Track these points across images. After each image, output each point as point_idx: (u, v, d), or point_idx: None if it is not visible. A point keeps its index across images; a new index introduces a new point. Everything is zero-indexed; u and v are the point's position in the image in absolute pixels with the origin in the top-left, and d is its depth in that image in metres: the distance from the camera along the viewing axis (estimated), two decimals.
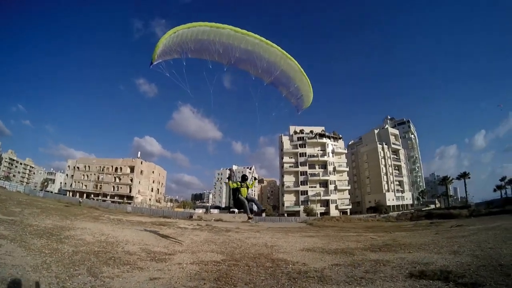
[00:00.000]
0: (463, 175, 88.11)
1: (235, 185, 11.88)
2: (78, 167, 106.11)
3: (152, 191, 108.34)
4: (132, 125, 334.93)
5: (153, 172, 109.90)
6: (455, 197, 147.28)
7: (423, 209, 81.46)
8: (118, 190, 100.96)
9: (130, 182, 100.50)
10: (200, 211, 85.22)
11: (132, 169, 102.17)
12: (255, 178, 14.56)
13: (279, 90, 17.76)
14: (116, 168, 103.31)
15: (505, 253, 9.13)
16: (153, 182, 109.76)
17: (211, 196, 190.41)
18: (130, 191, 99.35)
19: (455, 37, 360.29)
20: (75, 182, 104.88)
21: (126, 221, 26.00)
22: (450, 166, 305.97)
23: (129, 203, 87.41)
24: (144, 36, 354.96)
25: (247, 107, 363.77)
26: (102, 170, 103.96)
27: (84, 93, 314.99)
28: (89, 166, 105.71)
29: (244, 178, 12.06)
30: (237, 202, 11.83)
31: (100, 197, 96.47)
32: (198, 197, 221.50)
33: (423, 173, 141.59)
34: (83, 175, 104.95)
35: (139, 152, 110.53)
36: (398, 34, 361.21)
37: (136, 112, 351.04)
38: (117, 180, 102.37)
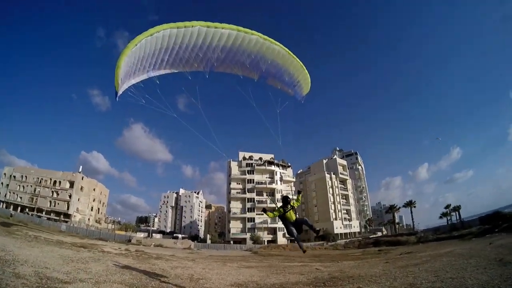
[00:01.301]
0: (409, 203, 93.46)
1: (276, 213, 10.24)
2: (14, 176, 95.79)
3: (92, 210, 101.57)
4: (80, 138, 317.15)
5: (94, 189, 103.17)
6: (401, 225, 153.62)
7: (370, 236, 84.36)
8: (55, 206, 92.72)
9: (68, 198, 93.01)
10: (141, 235, 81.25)
11: (72, 184, 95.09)
12: (299, 192, 12.46)
13: (271, 83, 16.61)
14: (55, 182, 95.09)
15: (471, 284, 8.28)
16: (94, 200, 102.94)
17: (156, 219, 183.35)
18: (68, 208, 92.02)
19: (403, 77, 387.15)
20: (9, 192, 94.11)
21: (44, 239, 23.45)
22: (395, 196, 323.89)
23: (66, 221, 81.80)
24: (106, 46, 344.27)
25: (201, 131, 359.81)
26: (40, 182, 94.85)
27: (34, 97, 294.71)
28: (26, 176, 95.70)
29: (286, 200, 10.34)
30: (290, 233, 10.12)
31: (35, 212, 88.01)
32: (143, 220, 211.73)
33: (370, 202, 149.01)
34: (19, 185, 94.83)
35: (81, 167, 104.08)
36: (347, 71, 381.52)
37: (86, 124, 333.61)
38: (55, 194, 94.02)
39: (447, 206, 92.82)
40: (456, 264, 12.33)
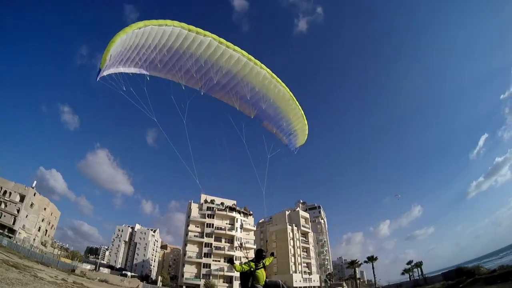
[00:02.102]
0: (371, 259, 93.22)
1: (246, 267, 8.51)
2: None
3: (39, 230, 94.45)
4: (42, 152, 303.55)
5: (45, 209, 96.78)
6: (362, 280, 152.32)
7: None
8: (0, 217, 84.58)
9: (16, 212, 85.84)
10: (88, 266, 76.45)
11: (22, 198, 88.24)
12: (272, 254, 10.43)
13: (266, 126, 15.62)
14: (5, 192, 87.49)
15: None
16: (43, 220, 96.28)
17: (107, 253, 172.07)
18: (14, 223, 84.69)
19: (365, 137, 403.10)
20: None
21: None
22: (356, 251, 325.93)
23: (10, 237, 75.48)
24: (86, 65, 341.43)
25: (168, 166, 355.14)
26: None
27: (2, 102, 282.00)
28: None
29: (260, 254, 8.83)
30: None
31: None
32: (93, 251, 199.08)
33: (331, 256, 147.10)
34: None
35: (35, 182, 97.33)
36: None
37: (50, 139, 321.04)
38: (2, 205, 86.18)
39: (409, 262, 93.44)
40: None
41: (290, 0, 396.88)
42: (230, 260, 9.38)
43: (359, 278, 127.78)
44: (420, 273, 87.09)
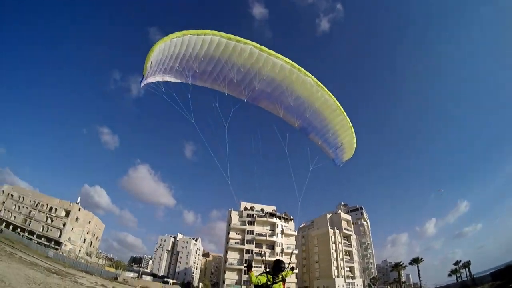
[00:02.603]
0: (416, 260, 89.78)
1: (263, 279, 7.66)
2: (12, 195, 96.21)
3: (84, 242, 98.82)
4: (85, 171, 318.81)
5: (89, 222, 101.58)
6: (408, 283, 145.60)
7: None
8: (47, 231, 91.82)
9: (62, 226, 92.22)
10: (131, 274, 77.83)
11: (67, 213, 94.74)
12: (292, 269, 8.95)
13: (312, 137, 14.71)
14: (51, 208, 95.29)
15: None
16: (88, 233, 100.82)
17: (150, 262, 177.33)
18: (60, 236, 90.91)
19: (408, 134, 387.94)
20: (4, 210, 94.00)
21: (20, 257, 22.18)
22: (401, 253, 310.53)
23: (56, 249, 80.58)
24: (120, 88, 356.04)
25: (207, 177, 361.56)
26: (36, 206, 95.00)
27: (46, 125, 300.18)
28: (23, 198, 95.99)
29: (278, 266, 7.85)
30: None
31: (26, 234, 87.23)
32: (137, 261, 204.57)
33: (375, 259, 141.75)
34: (15, 205, 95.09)
35: (79, 198, 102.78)
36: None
37: (93, 159, 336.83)
38: (49, 220, 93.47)
39: (457, 263, 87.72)
40: None
41: (309, 0, 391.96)
42: (248, 266, 8.13)
43: (404, 282, 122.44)
44: (468, 273, 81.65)
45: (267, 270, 7.93)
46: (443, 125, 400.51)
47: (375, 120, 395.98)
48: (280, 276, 7.69)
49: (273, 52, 11.59)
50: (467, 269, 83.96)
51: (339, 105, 13.17)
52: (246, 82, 12.38)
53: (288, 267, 8.19)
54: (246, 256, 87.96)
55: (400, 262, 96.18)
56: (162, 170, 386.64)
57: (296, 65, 11.96)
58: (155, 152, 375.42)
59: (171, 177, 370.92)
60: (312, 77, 12.25)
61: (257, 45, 11.43)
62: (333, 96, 12.95)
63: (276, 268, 7.77)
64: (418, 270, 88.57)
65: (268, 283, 7.46)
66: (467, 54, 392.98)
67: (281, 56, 11.76)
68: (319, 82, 12.46)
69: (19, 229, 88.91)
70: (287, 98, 12.60)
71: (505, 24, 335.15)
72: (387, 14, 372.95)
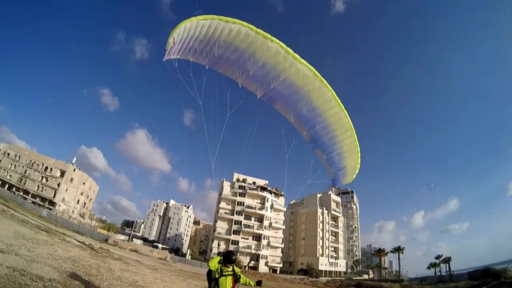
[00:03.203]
0: (398, 249, 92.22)
1: (213, 266, 6.76)
2: (8, 154, 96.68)
3: (78, 203, 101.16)
4: (83, 132, 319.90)
5: (84, 183, 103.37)
6: (390, 270, 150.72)
7: (354, 278, 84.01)
8: (42, 191, 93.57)
9: (56, 186, 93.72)
10: (122, 237, 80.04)
11: (62, 173, 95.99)
12: (258, 283, 7.44)
13: (317, 151, 14.39)
14: (47, 168, 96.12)
15: None
16: (82, 194, 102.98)
17: (142, 226, 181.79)
18: (54, 196, 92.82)
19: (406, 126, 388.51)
20: (0, 168, 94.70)
21: (11, 215, 24.20)
22: (387, 240, 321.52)
23: (50, 209, 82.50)
24: (123, 50, 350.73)
25: (205, 146, 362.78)
26: (32, 165, 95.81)
27: (46, 84, 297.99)
28: (19, 156, 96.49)
29: (229, 258, 6.96)
30: None
31: (21, 193, 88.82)
32: (130, 224, 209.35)
33: (361, 243, 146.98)
34: (11, 164, 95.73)
35: (75, 158, 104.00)
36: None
37: (91, 120, 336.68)
38: (44, 180, 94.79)
39: (438, 257, 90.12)
40: None
41: None
42: (219, 253, 7.33)
43: (385, 268, 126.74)
44: (447, 269, 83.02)
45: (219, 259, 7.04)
46: (445, 123, 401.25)
47: (375, 104, 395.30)
48: (231, 269, 6.85)
49: (299, 57, 11.59)
50: (447, 264, 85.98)
51: (352, 126, 12.97)
52: (264, 80, 12.29)
53: (243, 269, 7.27)
54: (234, 227, 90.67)
55: (383, 248, 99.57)
56: (160, 135, 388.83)
57: (319, 75, 11.91)
58: (154, 117, 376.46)
59: (169, 143, 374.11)
60: (332, 91, 12.18)
61: (284, 45, 11.42)
62: (348, 116, 12.74)
63: (226, 259, 6.92)
64: (399, 259, 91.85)
65: (215, 269, 6.76)
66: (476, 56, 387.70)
67: (305, 62, 11.76)
68: (337, 98, 12.36)
69: (14, 188, 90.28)
70: (303, 106, 12.47)
71: None
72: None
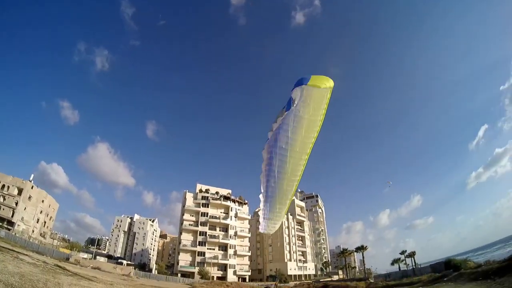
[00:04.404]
0: (361, 248, 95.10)
1: None
2: None
3: (37, 222, 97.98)
4: (42, 147, 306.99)
5: (43, 201, 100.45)
6: (361, 268, 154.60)
7: (321, 280, 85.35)
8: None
9: (14, 205, 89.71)
10: (85, 255, 78.97)
11: (20, 191, 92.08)
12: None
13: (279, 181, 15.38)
14: (3, 186, 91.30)
15: None
16: (41, 212, 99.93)
17: (107, 243, 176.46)
18: (13, 216, 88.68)
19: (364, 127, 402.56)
20: None
21: None
22: (356, 241, 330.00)
23: (9, 229, 79.28)
24: (84, 61, 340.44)
25: (168, 159, 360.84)
26: None
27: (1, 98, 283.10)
28: None
29: None
30: None
31: None
32: (94, 242, 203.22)
33: (329, 245, 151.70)
34: None
35: (32, 175, 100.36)
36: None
37: (51, 134, 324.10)
38: (1, 199, 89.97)
39: (402, 252, 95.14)
40: None
41: None
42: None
43: (354, 267, 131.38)
44: (413, 263, 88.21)
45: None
46: (404, 122, 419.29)
47: (335, 110, 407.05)
48: None
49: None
50: (412, 258, 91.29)
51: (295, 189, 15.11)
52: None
53: None
54: (200, 238, 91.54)
55: (346, 248, 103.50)
56: (123, 149, 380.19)
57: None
58: (116, 130, 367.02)
59: (132, 157, 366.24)
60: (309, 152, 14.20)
61: None
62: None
63: None
64: (363, 258, 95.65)
65: None
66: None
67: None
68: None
69: None
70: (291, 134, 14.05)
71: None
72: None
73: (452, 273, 31.46)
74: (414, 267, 72.46)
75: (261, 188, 15.56)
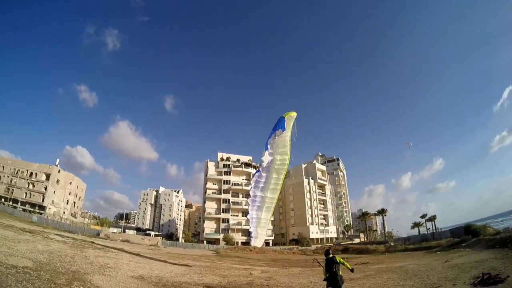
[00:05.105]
0: (381, 212, 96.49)
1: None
2: None
3: (67, 203, 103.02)
4: (65, 132, 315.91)
5: (70, 183, 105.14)
6: (382, 232, 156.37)
7: (342, 243, 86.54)
8: (30, 197, 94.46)
9: (44, 190, 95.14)
10: (115, 230, 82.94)
11: (48, 176, 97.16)
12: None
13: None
14: (31, 173, 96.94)
15: None
16: (70, 194, 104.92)
17: (136, 217, 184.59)
18: (43, 200, 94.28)
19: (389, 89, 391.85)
20: None
21: None
22: (377, 204, 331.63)
23: (41, 213, 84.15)
24: (94, 43, 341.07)
25: (189, 131, 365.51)
26: (17, 173, 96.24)
27: (19, 89, 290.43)
28: (3, 167, 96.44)
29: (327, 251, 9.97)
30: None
31: (10, 203, 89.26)
32: (123, 217, 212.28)
33: (351, 208, 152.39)
34: None
35: (58, 159, 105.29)
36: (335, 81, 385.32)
37: (72, 119, 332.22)
38: (31, 186, 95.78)
39: (423, 216, 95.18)
40: (389, 285, 12.74)
41: None
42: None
43: (375, 230, 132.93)
44: (434, 227, 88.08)
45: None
46: (427, 82, 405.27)
47: (356, 69, 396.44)
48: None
49: None
50: (433, 222, 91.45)
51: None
52: None
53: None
54: (223, 206, 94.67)
55: (367, 211, 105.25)
56: (143, 125, 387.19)
57: None
58: (135, 107, 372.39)
59: (153, 132, 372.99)
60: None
61: None
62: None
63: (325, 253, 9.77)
64: (383, 221, 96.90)
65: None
66: None
67: None
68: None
69: (2, 200, 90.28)
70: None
71: None
72: None
73: (471, 239, 31.47)
74: (434, 231, 71.89)
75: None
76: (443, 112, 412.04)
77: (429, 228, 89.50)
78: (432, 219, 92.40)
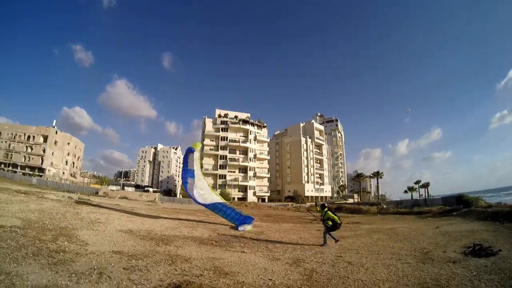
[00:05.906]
0: (376, 174, 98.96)
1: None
2: None
3: (66, 164, 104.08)
4: (62, 93, 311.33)
5: (68, 143, 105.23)
6: (376, 194, 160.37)
7: (336, 202, 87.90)
8: (29, 161, 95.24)
9: (42, 153, 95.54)
10: (113, 187, 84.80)
11: (45, 138, 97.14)
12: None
13: None
14: (29, 137, 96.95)
15: (353, 280, 7.22)
16: (68, 154, 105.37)
17: (135, 174, 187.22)
18: (42, 163, 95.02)
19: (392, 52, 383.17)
20: None
21: None
22: (373, 167, 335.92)
23: (41, 176, 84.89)
24: (89, 1, 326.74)
25: (187, 88, 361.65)
26: (14, 137, 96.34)
27: (11, 50, 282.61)
28: (0, 132, 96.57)
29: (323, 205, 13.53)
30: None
31: (10, 168, 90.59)
32: (124, 175, 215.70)
33: (347, 170, 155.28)
34: None
35: (54, 121, 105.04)
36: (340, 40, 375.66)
37: (68, 79, 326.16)
38: (29, 149, 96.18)
39: (417, 182, 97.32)
40: (379, 245, 12.79)
41: None
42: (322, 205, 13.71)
43: (369, 192, 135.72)
44: (426, 194, 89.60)
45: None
46: (432, 52, 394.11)
47: (356, 31, 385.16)
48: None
49: None
50: (426, 189, 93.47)
51: None
52: None
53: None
54: (220, 162, 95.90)
55: (362, 173, 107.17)
56: (141, 83, 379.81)
57: None
58: (132, 65, 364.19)
59: (151, 90, 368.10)
60: None
61: None
62: None
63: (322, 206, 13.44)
64: (378, 183, 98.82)
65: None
66: None
67: None
68: None
69: (2, 165, 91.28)
70: None
71: None
72: None
73: (462, 209, 31.51)
74: (426, 197, 72.63)
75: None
76: (446, 83, 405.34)
77: (422, 195, 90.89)
78: (426, 186, 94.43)
